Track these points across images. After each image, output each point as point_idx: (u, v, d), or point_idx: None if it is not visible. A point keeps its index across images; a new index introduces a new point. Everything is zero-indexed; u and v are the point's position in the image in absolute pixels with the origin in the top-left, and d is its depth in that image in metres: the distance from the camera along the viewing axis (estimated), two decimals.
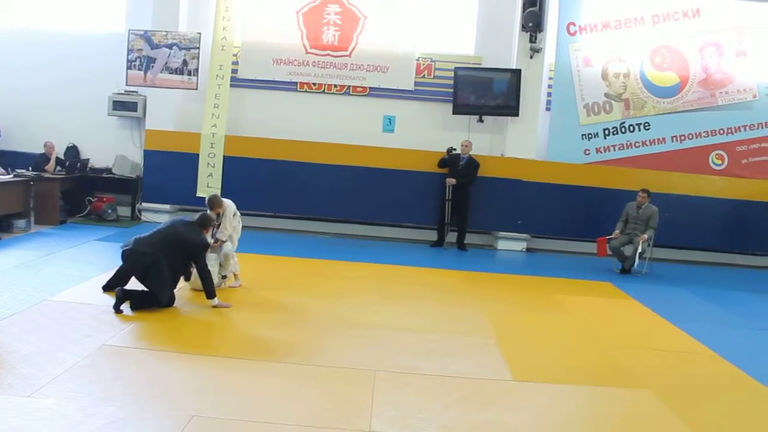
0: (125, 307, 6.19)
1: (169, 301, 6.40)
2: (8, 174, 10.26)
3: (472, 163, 11.17)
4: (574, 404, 4.84)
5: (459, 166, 11.13)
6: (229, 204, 7.62)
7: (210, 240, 7.01)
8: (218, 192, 10.89)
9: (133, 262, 6.39)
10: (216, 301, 6.54)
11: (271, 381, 4.84)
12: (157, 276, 6.31)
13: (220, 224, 7.44)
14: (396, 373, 5.11)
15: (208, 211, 7.28)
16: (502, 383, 5.12)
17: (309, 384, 4.83)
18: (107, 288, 6.69)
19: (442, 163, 11.29)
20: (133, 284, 6.50)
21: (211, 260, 7.04)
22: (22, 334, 5.36)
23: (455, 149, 11.32)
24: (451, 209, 11.24)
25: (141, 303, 6.28)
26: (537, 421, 4.47)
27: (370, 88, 11.98)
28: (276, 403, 4.44)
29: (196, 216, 7.00)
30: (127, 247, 6.45)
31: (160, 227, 6.65)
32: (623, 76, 11.65)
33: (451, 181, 11.09)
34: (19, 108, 11.89)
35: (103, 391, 4.42)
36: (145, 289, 6.40)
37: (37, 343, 5.17)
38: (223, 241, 7.45)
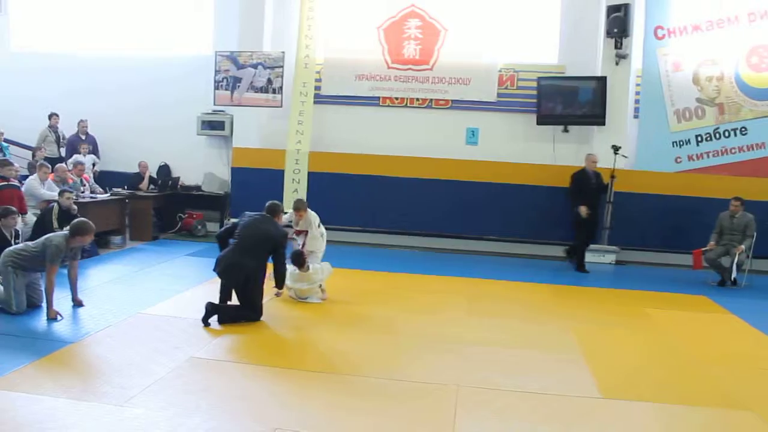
0: (213, 320, 6.32)
1: (257, 315, 6.52)
2: (105, 193, 10.75)
3: (600, 176, 10.52)
4: (667, 424, 4.59)
5: (593, 185, 10.35)
6: (312, 214, 7.83)
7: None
8: None
9: (231, 277, 6.51)
10: (283, 290, 7.09)
11: (354, 395, 4.82)
12: (254, 286, 6.50)
13: (303, 233, 7.79)
14: (480, 389, 5.00)
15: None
16: (590, 400, 4.92)
17: (392, 399, 4.78)
18: (221, 302, 6.57)
19: (578, 186, 10.36)
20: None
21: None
22: (116, 346, 5.57)
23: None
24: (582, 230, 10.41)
25: (229, 317, 6.38)
26: None
27: (452, 100, 11.94)
28: (358, 418, 4.41)
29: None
30: (219, 267, 6.58)
31: (240, 234, 6.63)
32: (716, 79, 11.13)
33: (583, 210, 10.11)
34: (114, 130, 12.48)
35: (190, 402, 4.52)
36: (234, 302, 6.54)
37: (130, 355, 5.36)
38: (310, 251, 7.70)
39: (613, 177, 10.51)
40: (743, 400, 5.08)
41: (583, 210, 10.08)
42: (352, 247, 11.39)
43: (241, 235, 6.63)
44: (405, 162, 11.56)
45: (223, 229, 7.17)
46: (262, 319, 6.54)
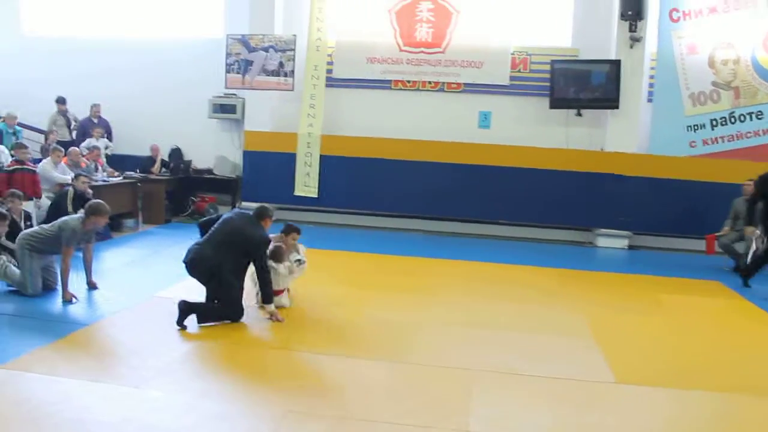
0: (191, 322, 5.77)
1: (236, 313, 5.92)
2: (118, 176, 10.77)
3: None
4: (680, 409, 4.59)
5: None
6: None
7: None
8: (315, 191, 11.15)
9: (197, 270, 6.00)
10: (272, 307, 6.01)
11: (366, 378, 4.83)
12: (221, 282, 5.89)
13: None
14: (493, 373, 5.00)
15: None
16: (604, 385, 4.91)
17: (404, 382, 4.79)
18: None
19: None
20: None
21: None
22: (131, 328, 5.62)
23: None
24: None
25: (207, 316, 5.82)
26: (641, 425, 4.25)
27: (464, 84, 11.86)
28: (371, 400, 4.42)
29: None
30: (188, 258, 6.06)
31: (216, 226, 6.11)
32: (732, 62, 10.99)
33: (751, 231, 8.79)
34: (126, 113, 12.46)
35: (203, 385, 4.57)
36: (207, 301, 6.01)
37: (145, 337, 5.39)
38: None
39: None
40: (758, 385, 5.05)
41: (752, 231, 8.77)
42: (363, 230, 11.39)
43: (214, 230, 6.09)
44: (417, 145, 11.49)
45: (206, 218, 6.73)
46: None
